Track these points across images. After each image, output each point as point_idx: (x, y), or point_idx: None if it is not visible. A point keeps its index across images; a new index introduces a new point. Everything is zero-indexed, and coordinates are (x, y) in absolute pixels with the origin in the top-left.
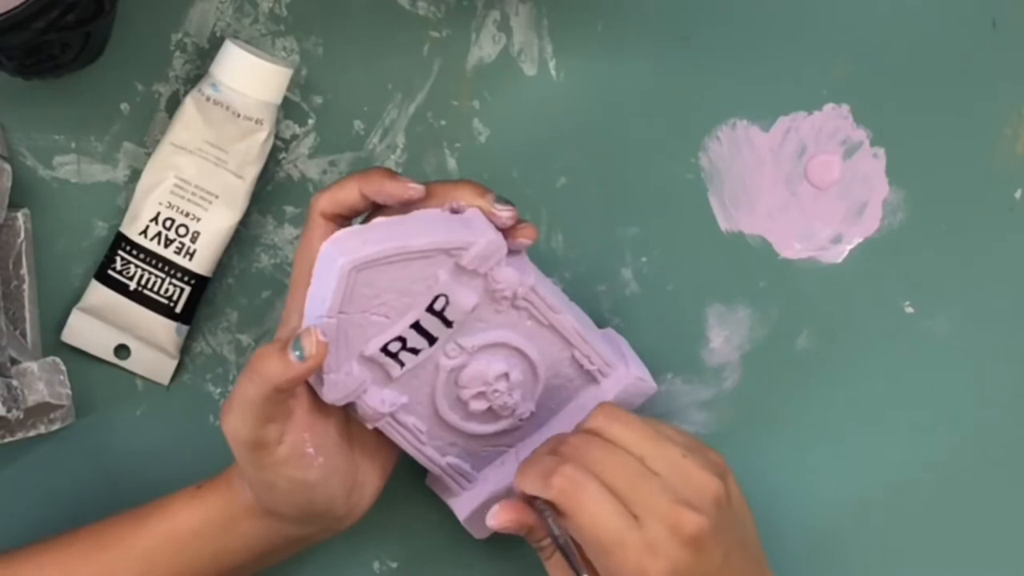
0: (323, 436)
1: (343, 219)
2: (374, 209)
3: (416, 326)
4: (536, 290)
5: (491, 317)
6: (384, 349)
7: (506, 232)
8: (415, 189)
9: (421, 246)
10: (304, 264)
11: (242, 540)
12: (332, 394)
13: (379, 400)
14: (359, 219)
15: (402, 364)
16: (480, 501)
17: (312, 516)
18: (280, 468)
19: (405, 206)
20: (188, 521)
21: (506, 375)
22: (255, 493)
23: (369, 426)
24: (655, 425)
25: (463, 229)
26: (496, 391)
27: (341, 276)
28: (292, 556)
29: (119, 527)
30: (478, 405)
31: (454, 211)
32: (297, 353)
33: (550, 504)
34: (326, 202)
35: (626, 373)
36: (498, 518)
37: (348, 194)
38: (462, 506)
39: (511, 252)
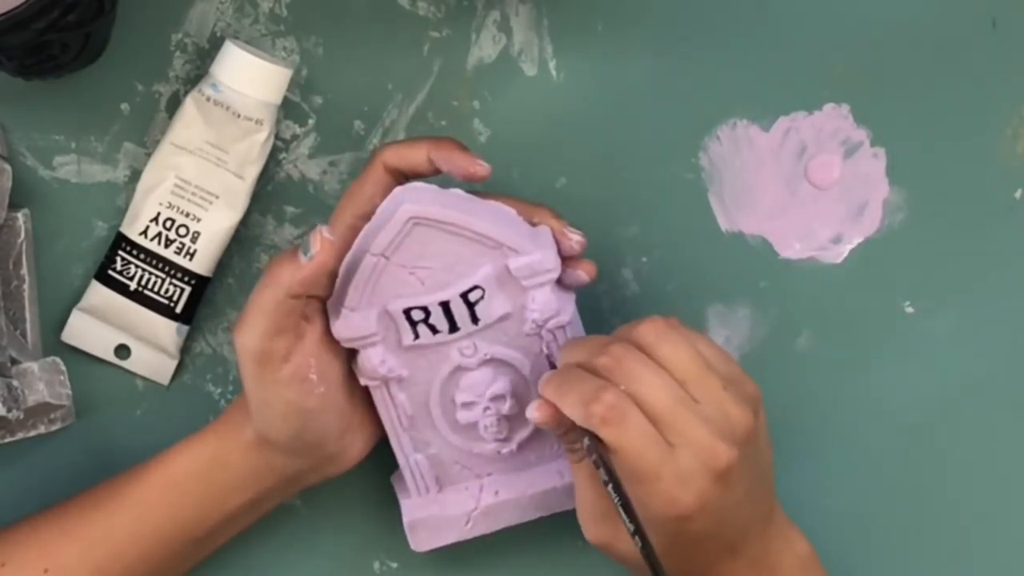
0: (328, 369)
1: (402, 175)
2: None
3: (445, 306)
4: (565, 331)
5: (515, 334)
6: (407, 312)
7: (568, 262)
8: (483, 166)
9: (483, 230)
10: (348, 203)
11: (234, 478)
12: (342, 331)
13: (380, 360)
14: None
15: (417, 335)
16: (430, 514)
17: (303, 447)
18: (281, 388)
19: (469, 179)
20: (182, 463)
21: (502, 398)
22: (253, 412)
23: (362, 382)
24: (702, 348)
25: (528, 236)
26: (487, 409)
27: (400, 219)
28: (284, 501)
29: (115, 482)
30: (466, 415)
31: (529, 223)
32: (305, 253)
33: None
34: (392, 155)
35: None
36: (539, 413)
37: (416, 154)
38: (412, 510)
39: (564, 285)
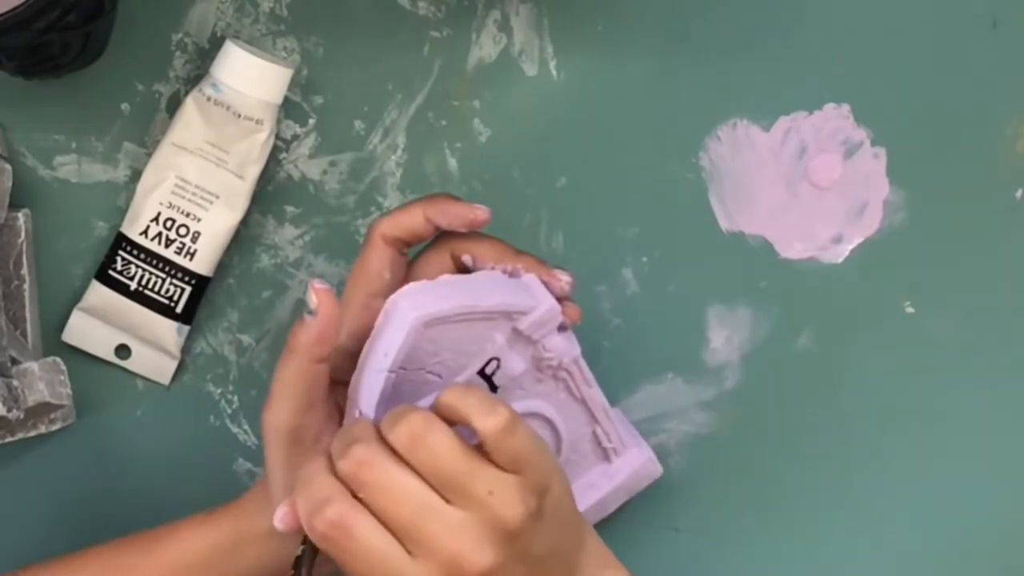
0: None
1: (403, 243)
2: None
3: None
4: (578, 362)
5: (532, 386)
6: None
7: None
8: (482, 210)
9: (489, 307)
10: (356, 284)
11: (248, 567)
12: None
13: None
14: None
15: None
16: None
17: None
18: None
19: (471, 227)
20: (197, 547)
21: None
22: (275, 498)
23: None
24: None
25: (524, 293)
26: None
27: (411, 331)
28: None
29: (128, 553)
30: None
31: (509, 275)
32: (309, 314)
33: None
34: (388, 226)
35: (639, 453)
36: (281, 520)
37: (411, 218)
38: None
39: (560, 326)
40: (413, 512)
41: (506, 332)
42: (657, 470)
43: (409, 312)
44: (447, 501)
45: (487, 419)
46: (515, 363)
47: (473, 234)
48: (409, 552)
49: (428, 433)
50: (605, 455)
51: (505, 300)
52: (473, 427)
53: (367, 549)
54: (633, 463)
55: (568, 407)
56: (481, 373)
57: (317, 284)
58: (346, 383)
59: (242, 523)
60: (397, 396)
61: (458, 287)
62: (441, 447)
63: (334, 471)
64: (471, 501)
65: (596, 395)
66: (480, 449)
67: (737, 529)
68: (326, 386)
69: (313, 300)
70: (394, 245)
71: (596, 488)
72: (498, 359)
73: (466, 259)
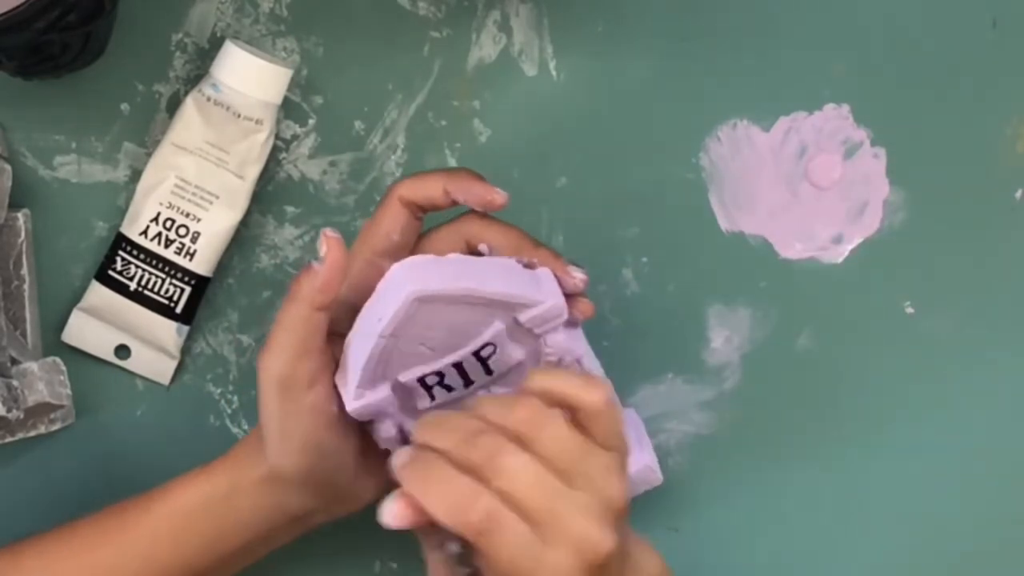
0: None
1: (419, 208)
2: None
3: (458, 366)
4: (581, 362)
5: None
6: (421, 380)
7: (569, 299)
8: (500, 194)
9: (490, 294)
10: (365, 240)
11: (243, 516)
12: (355, 408)
13: (397, 428)
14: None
15: (432, 398)
16: None
17: (315, 484)
18: (303, 417)
19: (486, 208)
20: (191, 499)
21: None
22: (268, 444)
23: (381, 445)
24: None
25: (533, 286)
26: None
27: (404, 303)
28: (287, 542)
29: (123, 513)
30: None
31: (525, 266)
32: (316, 262)
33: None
34: (407, 189)
35: (638, 459)
36: (400, 513)
37: (431, 186)
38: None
39: (569, 321)
40: (545, 497)
41: (506, 321)
42: (656, 479)
43: (407, 284)
44: (567, 485)
45: (592, 394)
46: (514, 352)
47: (493, 221)
48: (543, 539)
49: (548, 418)
50: None
51: (510, 290)
52: (578, 404)
53: (513, 538)
54: (631, 468)
55: None
56: (476, 355)
57: (329, 232)
58: (343, 336)
59: (235, 473)
60: (386, 361)
61: (465, 268)
62: (561, 430)
63: (456, 464)
64: (589, 482)
65: None
66: (582, 429)
67: (737, 529)
68: (324, 335)
69: (324, 246)
70: (410, 208)
71: None
72: (495, 344)
73: (482, 247)
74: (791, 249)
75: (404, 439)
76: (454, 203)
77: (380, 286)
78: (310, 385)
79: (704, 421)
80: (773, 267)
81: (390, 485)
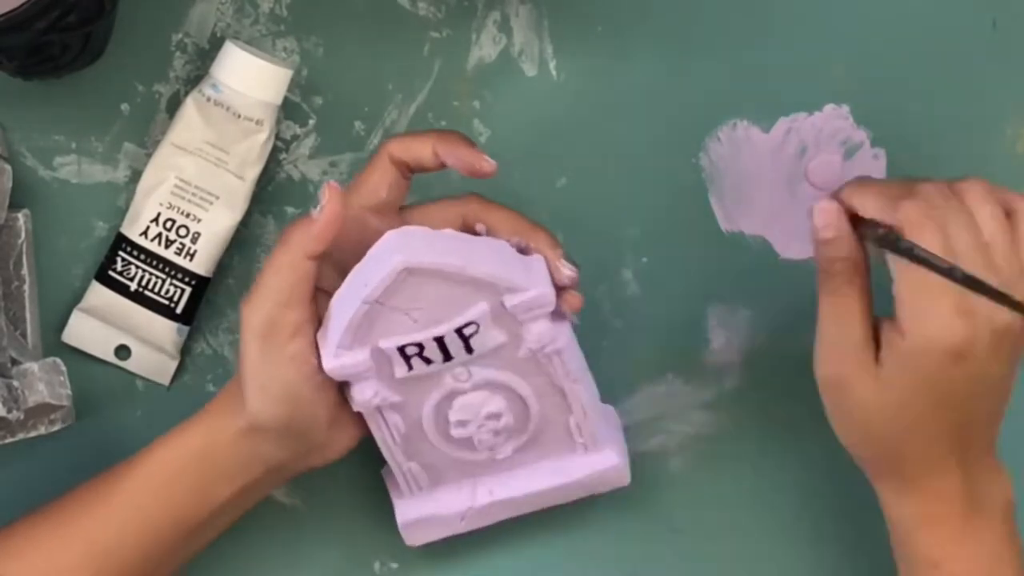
0: None
1: (407, 168)
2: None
3: (439, 340)
4: (560, 355)
5: (510, 358)
6: (400, 349)
7: (559, 291)
8: (488, 162)
9: (479, 274)
10: (354, 193)
11: (223, 466)
12: (333, 367)
13: (372, 392)
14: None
15: (410, 368)
16: (425, 514)
17: (292, 434)
18: (282, 367)
19: (474, 174)
20: (172, 455)
21: (498, 416)
22: (247, 394)
23: (355, 408)
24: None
25: (523, 272)
26: (482, 427)
27: (392, 271)
28: (268, 493)
29: (108, 477)
30: (460, 432)
31: (520, 250)
32: (315, 209)
33: (883, 228)
34: (397, 147)
35: (607, 458)
36: (822, 216)
37: (421, 147)
38: (406, 510)
39: (557, 313)
40: (973, 255)
41: (491, 303)
42: (622, 480)
43: (396, 254)
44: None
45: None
46: (495, 334)
47: (495, 204)
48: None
49: (990, 194)
50: (574, 447)
51: (498, 273)
52: (1016, 207)
53: (933, 244)
54: (598, 465)
55: (546, 392)
56: (458, 332)
57: (333, 183)
58: (327, 292)
59: (213, 426)
60: (368, 326)
61: (458, 245)
62: (999, 210)
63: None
64: (1012, 266)
65: (580, 391)
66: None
67: (737, 529)
68: (310, 287)
69: (325, 196)
70: (399, 167)
71: (559, 473)
72: (478, 324)
73: (480, 228)
74: (791, 249)
75: (377, 403)
76: (443, 166)
77: (372, 250)
78: (292, 335)
79: (705, 422)
80: (773, 267)
81: (364, 438)
